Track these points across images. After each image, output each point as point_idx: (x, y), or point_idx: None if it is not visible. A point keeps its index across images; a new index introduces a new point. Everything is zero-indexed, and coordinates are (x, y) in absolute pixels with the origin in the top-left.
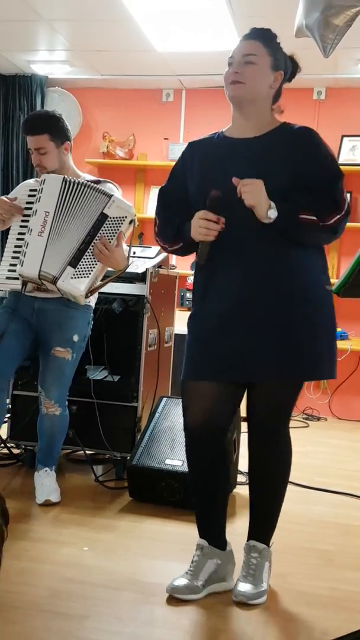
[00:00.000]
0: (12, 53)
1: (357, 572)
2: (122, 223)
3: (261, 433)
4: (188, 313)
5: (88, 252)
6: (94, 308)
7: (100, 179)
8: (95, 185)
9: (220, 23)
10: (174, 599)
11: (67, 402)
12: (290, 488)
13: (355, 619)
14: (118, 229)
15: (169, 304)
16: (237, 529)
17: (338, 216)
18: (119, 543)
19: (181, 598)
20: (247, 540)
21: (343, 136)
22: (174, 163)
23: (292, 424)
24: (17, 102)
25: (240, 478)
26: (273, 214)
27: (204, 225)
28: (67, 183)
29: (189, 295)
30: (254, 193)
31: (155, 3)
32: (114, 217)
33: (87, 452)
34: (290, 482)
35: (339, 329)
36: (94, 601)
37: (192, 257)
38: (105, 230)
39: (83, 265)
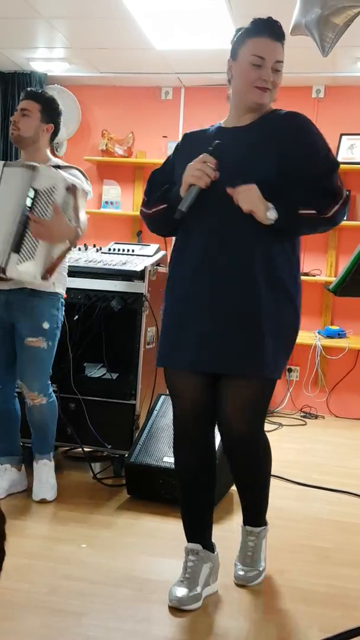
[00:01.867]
0: (11, 50)
1: (354, 569)
2: (53, 192)
3: (233, 439)
4: None
5: (26, 234)
6: (92, 302)
7: (66, 165)
8: (18, 162)
9: (219, 21)
10: (175, 611)
11: (51, 389)
12: (287, 485)
13: (352, 616)
14: (51, 200)
15: None
16: (235, 525)
17: (336, 207)
18: (116, 540)
19: (187, 609)
20: (244, 525)
21: (342, 134)
22: None
23: (289, 421)
24: (17, 100)
25: None
26: (273, 215)
27: (200, 167)
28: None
29: (167, 294)
30: (249, 198)
31: (155, 1)
32: (44, 190)
33: (85, 449)
34: (287, 480)
35: (336, 327)
36: (92, 598)
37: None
38: (39, 205)
39: (25, 248)
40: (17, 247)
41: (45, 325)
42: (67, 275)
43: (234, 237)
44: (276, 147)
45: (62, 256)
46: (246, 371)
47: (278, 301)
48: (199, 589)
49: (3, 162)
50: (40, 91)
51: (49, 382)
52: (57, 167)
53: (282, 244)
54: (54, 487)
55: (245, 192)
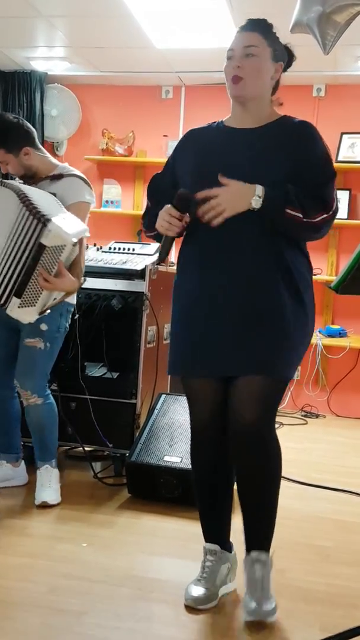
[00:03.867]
0: (11, 50)
1: (354, 567)
2: (62, 252)
3: (242, 432)
4: None
5: (31, 282)
6: (90, 303)
7: (69, 173)
8: (32, 205)
9: (220, 20)
10: (190, 609)
11: (48, 392)
12: (287, 484)
13: (352, 615)
14: (58, 259)
15: (167, 301)
16: (235, 524)
17: (325, 215)
18: (117, 539)
19: (202, 609)
20: (248, 553)
21: (342, 133)
22: None
23: (290, 420)
24: (17, 99)
25: None
26: (257, 203)
27: (167, 219)
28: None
29: (175, 299)
30: (227, 202)
31: (155, 0)
32: (52, 247)
33: (86, 448)
34: (288, 479)
35: (337, 326)
36: (92, 597)
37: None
38: (45, 260)
39: (28, 294)
40: (19, 291)
41: (43, 327)
42: None
43: (246, 242)
44: (288, 154)
45: (60, 300)
46: (261, 372)
47: (293, 303)
48: (215, 588)
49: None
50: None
51: (46, 384)
52: (60, 175)
53: (295, 247)
54: (56, 491)
55: (222, 196)
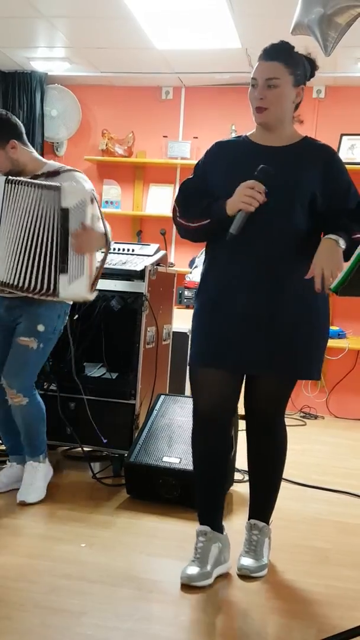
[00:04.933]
0: (11, 50)
1: (353, 569)
2: (85, 207)
3: (259, 421)
4: (186, 311)
5: (70, 253)
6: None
7: (66, 169)
8: (36, 182)
9: (220, 21)
10: (186, 588)
11: (34, 392)
12: (286, 485)
13: (351, 616)
14: (83, 216)
15: (167, 301)
16: (235, 525)
17: None
18: (116, 540)
19: (197, 585)
20: (249, 519)
21: (342, 135)
22: (172, 161)
23: (289, 422)
24: (17, 99)
25: (238, 476)
26: (343, 244)
27: (249, 194)
28: (9, 186)
29: (187, 293)
30: (330, 265)
31: (155, 1)
32: (74, 206)
33: (85, 449)
34: (287, 480)
35: (336, 328)
36: (92, 597)
37: (190, 254)
38: (73, 222)
39: (72, 267)
40: (63, 267)
41: (40, 328)
42: None
43: (276, 254)
44: (318, 174)
45: (102, 265)
46: (286, 373)
47: (315, 310)
48: (209, 567)
49: (27, 182)
50: None
51: (33, 384)
52: (56, 172)
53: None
54: (38, 489)
55: (324, 263)
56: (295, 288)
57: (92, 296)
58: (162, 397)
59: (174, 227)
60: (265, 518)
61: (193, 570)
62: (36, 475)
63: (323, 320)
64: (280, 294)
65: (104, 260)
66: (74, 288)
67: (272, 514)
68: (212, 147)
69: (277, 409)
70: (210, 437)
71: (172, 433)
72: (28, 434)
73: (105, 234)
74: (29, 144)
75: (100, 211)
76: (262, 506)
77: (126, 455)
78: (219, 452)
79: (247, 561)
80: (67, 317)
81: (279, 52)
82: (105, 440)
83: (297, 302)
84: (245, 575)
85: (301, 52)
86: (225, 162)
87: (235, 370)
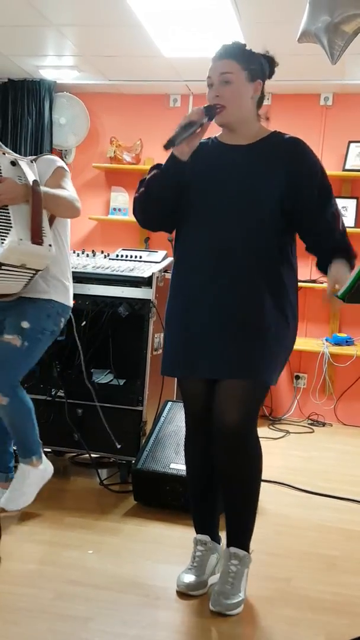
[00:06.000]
0: (20, 58)
1: None
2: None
3: (225, 428)
4: None
5: None
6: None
7: (35, 157)
8: None
9: (228, 29)
10: (181, 596)
11: (17, 391)
12: (294, 493)
13: (358, 624)
14: None
15: None
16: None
17: (342, 223)
18: (123, 546)
19: (193, 594)
20: (227, 547)
21: (350, 142)
22: None
23: (297, 429)
24: (26, 107)
25: None
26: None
27: (190, 114)
28: None
29: (169, 306)
30: (342, 281)
31: (163, 9)
32: None
33: (92, 455)
34: (294, 487)
35: (343, 335)
36: (98, 604)
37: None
38: None
39: None
40: None
41: (25, 325)
42: (69, 285)
43: (237, 248)
44: (282, 170)
45: (36, 212)
46: (241, 376)
47: (276, 312)
48: (205, 577)
49: None
50: None
51: (17, 385)
52: (34, 160)
53: (286, 261)
54: (24, 496)
55: (338, 278)
56: (245, 284)
57: (31, 246)
58: (170, 403)
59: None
60: (244, 545)
61: (190, 578)
62: (24, 482)
63: (283, 323)
64: (241, 289)
65: (37, 206)
66: (7, 242)
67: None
68: None
69: (242, 419)
70: (199, 446)
71: (179, 440)
72: (16, 435)
73: (33, 184)
74: (2, 146)
75: (65, 181)
76: (239, 531)
77: (133, 461)
78: (210, 459)
79: (223, 597)
80: (62, 320)
81: (230, 51)
82: (119, 446)
83: (247, 299)
84: (219, 613)
85: (258, 52)
86: (192, 163)
87: (201, 376)
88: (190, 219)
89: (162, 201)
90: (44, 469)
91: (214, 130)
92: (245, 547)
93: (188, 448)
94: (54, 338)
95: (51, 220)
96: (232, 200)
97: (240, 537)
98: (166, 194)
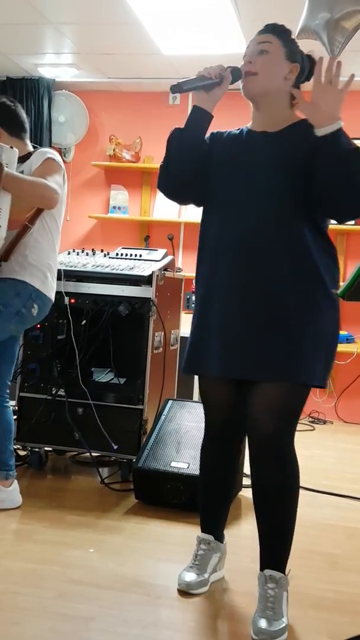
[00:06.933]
0: (19, 56)
1: None
2: None
3: (259, 441)
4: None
5: None
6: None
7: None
8: None
9: (227, 26)
10: (183, 595)
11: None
12: None
13: None
14: None
15: (175, 306)
16: (243, 531)
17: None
18: (124, 545)
19: (194, 593)
20: (261, 570)
21: (353, 139)
22: None
23: (298, 427)
24: (25, 105)
25: (246, 481)
26: (337, 126)
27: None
28: None
29: (194, 298)
30: (332, 102)
31: (162, 7)
32: None
33: (93, 454)
34: None
35: (344, 332)
36: (100, 603)
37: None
38: None
39: None
40: None
41: None
42: (49, 276)
43: (261, 241)
44: (305, 161)
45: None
46: (278, 379)
47: (311, 301)
48: (206, 575)
49: None
50: None
51: None
52: (29, 154)
53: (320, 246)
54: None
55: (331, 94)
56: (273, 281)
57: None
58: (170, 402)
59: (182, 231)
60: (281, 565)
61: (191, 577)
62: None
63: (329, 318)
64: (271, 291)
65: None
66: None
67: (289, 560)
68: (210, 134)
69: (280, 429)
70: (217, 452)
71: (180, 438)
72: None
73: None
74: (25, 141)
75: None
76: (272, 552)
77: (134, 460)
78: (226, 462)
79: (264, 623)
80: (35, 306)
81: (273, 27)
82: (115, 447)
83: (275, 297)
84: None
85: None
86: (217, 152)
87: (224, 377)
88: (214, 208)
89: (181, 164)
90: (12, 490)
91: (243, 122)
92: (282, 569)
93: (204, 452)
94: (20, 321)
95: (39, 210)
96: (256, 188)
97: (274, 557)
98: (185, 153)
